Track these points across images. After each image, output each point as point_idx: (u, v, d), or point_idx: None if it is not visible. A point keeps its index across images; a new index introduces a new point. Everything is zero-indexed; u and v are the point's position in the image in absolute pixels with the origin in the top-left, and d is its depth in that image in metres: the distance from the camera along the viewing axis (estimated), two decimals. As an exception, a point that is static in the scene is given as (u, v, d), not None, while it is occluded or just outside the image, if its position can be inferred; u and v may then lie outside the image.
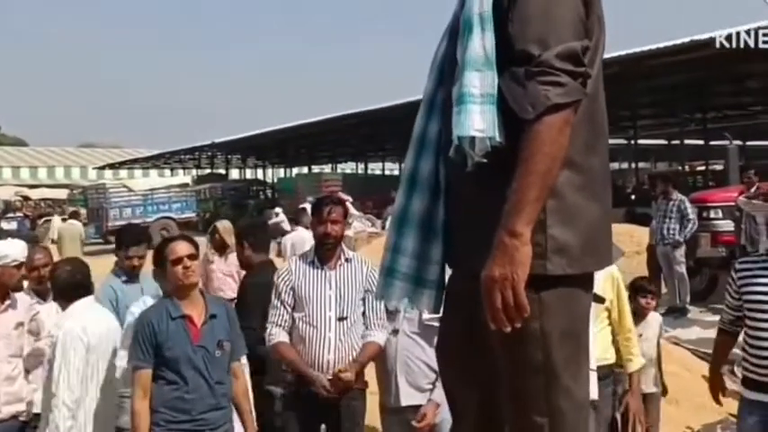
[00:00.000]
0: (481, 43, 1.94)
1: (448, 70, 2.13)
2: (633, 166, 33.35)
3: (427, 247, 2.19)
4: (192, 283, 3.85)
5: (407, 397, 4.20)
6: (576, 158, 1.96)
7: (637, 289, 5.45)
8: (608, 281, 4.45)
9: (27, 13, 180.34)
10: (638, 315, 5.24)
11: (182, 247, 3.86)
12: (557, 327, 1.98)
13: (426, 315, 3.73)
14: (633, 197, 24.08)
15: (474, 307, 1.94)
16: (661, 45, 16.78)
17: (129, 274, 5.04)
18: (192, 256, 3.87)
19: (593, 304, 2.32)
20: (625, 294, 4.76)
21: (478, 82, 1.92)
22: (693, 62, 17.24)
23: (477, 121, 1.91)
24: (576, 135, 1.91)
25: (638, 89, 21.77)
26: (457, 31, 2.07)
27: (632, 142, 31.83)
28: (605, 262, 2.11)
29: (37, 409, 4.44)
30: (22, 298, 4.77)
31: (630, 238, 14.08)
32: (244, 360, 4.16)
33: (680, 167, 27.68)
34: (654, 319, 5.58)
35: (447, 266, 2.23)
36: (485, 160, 1.92)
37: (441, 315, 2.31)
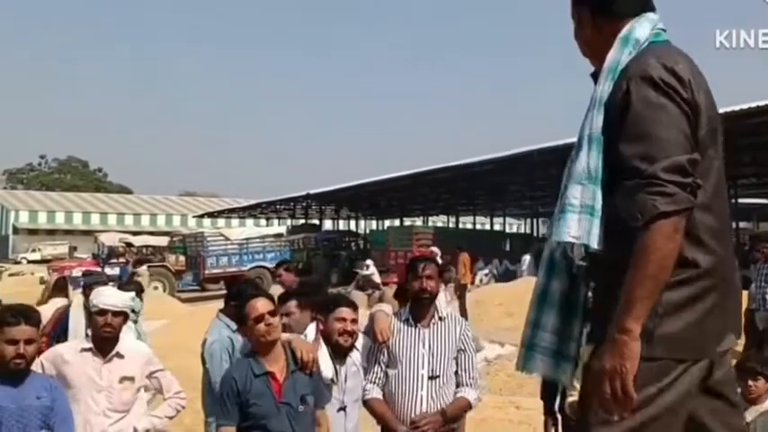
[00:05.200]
0: (587, 160, 2.18)
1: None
2: (734, 225, 32.30)
3: (567, 324, 2.38)
4: (275, 339, 3.85)
5: None
6: (688, 256, 2.08)
7: (744, 371, 4.44)
8: None
9: (132, 70, 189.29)
10: (748, 400, 4.36)
11: (262, 304, 3.84)
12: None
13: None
14: (733, 258, 23.25)
15: None
16: (762, 103, 16.43)
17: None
18: (273, 312, 3.85)
19: None
20: None
21: (579, 194, 2.16)
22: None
23: (574, 228, 2.14)
24: (687, 238, 2.05)
25: (739, 147, 21.28)
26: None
27: (732, 201, 30.92)
28: (710, 353, 2.18)
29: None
30: (140, 350, 4.65)
31: (729, 300, 13.63)
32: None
33: (783, 228, 26.67)
34: None
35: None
36: (584, 264, 2.15)
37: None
